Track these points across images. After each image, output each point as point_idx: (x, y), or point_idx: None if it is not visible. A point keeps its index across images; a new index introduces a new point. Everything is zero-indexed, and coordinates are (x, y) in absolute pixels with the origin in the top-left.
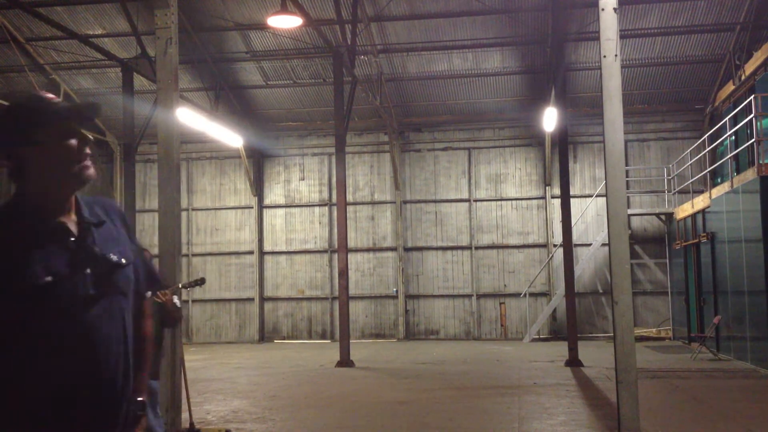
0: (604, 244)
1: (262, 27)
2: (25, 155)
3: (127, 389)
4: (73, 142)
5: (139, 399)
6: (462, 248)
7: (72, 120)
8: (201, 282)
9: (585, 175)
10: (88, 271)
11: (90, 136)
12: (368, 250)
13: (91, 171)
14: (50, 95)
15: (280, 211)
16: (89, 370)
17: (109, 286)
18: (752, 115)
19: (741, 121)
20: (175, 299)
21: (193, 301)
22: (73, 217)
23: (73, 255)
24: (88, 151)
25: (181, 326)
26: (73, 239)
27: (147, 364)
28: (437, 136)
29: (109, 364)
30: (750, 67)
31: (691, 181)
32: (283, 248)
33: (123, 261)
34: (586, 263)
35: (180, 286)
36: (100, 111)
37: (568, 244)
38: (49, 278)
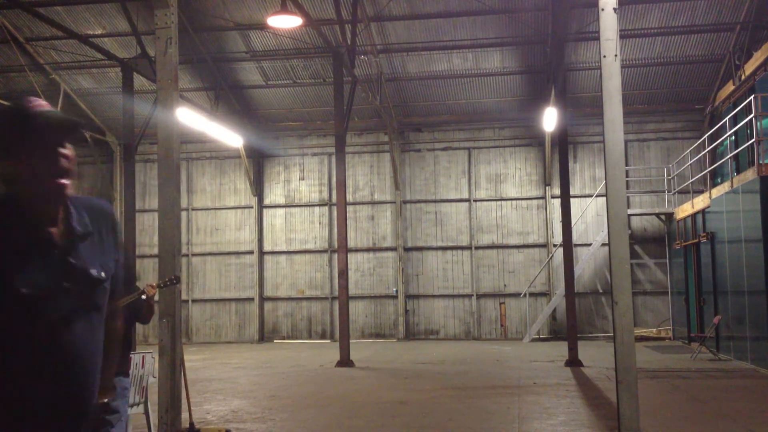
0: (604, 244)
1: (262, 27)
2: (8, 168)
3: (93, 398)
4: (54, 155)
5: (103, 401)
6: (462, 248)
7: (53, 134)
8: (176, 281)
9: (585, 175)
10: (68, 286)
11: (69, 150)
12: (368, 250)
13: (68, 181)
14: (36, 105)
15: (280, 211)
16: (66, 387)
17: (87, 302)
18: (752, 115)
19: (741, 121)
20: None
21: (193, 300)
22: (61, 226)
23: (55, 269)
24: (68, 165)
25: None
26: (57, 251)
27: (114, 365)
28: (437, 136)
29: (86, 380)
30: (750, 67)
31: (691, 181)
32: (283, 248)
33: (103, 275)
34: (586, 263)
35: (157, 285)
36: (81, 128)
37: (568, 244)
38: (25, 290)
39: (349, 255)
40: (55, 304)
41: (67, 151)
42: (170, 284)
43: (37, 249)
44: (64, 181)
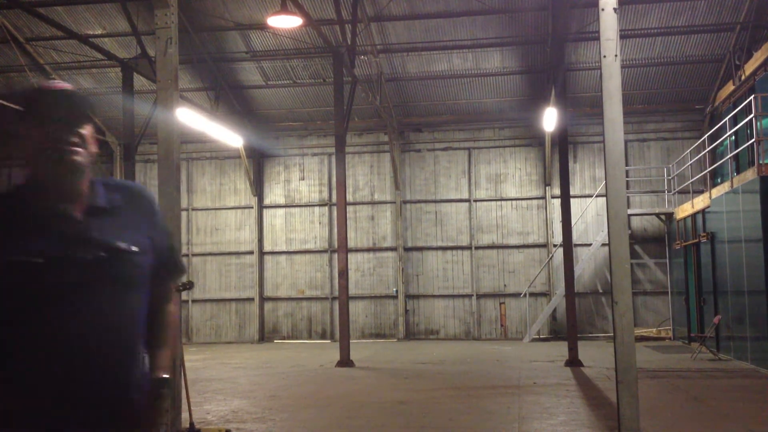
0: (604, 244)
1: (262, 27)
2: (12, 148)
3: (131, 375)
4: (54, 128)
5: (162, 377)
6: (462, 248)
7: (52, 109)
8: (190, 286)
9: (585, 175)
10: (86, 256)
11: (83, 128)
12: (368, 250)
13: (76, 157)
14: (46, 84)
15: (280, 211)
16: (81, 360)
17: (108, 275)
18: (752, 115)
19: (741, 121)
20: None
21: (193, 301)
22: (84, 202)
23: (70, 239)
24: (73, 137)
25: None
26: (67, 225)
27: (166, 343)
28: (437, 136)
29: (113, 354)
30: (750, 67)
31: (691, 181)
32: (283, 248)
33: (133, 248)
34: (586, 263)
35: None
36: (86, 104)
37: (568, 244)
38: (40, 260)
39: (349, 255)
40: (67, 272)
41: (78, 128)
42: (184, 289)
43: (51, 222)
44: (75, 157)
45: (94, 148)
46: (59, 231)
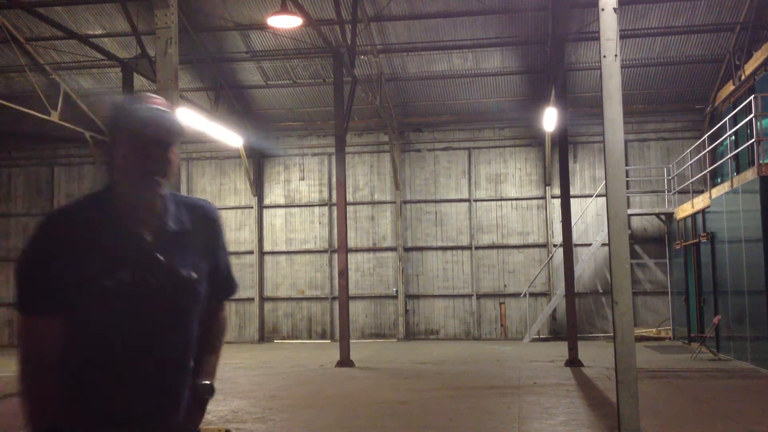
0: (604, 244)
1: (262, 27)
2: (111, 153)
3: (181, 397)
4: (148, 150)
5: (205, 383)
6: (462, 248)
7: (151, 130)
8: None
9: (585, 175)
10: (152, 283)
11: (171, 152)
12: (368, 250)
13: (160, 175)
14: (151, 100)
15: (280, 211)
16: (136, 383)
17: (173, 301)
18: (752, 115)
19: (741, 121)
20: None
21: None
22: (155, 222)
23: (141, 265)
24: (163, 163)
25: None
26: (145, 247)
27: (215, 349)
28: (437, 136)
29: (170, 381)
30: (750, 67)
31: (691, 181)
32: (283, 248)
33: (193, 275)
34: (586, 263)
35: None
36: (180, 132)
37: (568, 244)
38: (109, 283)
39: (349, 255)
40: (138, 299)
41: (166, 151)
42: None
43: (124, 244)
44: (156, 177)
45: (175, 168)
46: (131, 255)
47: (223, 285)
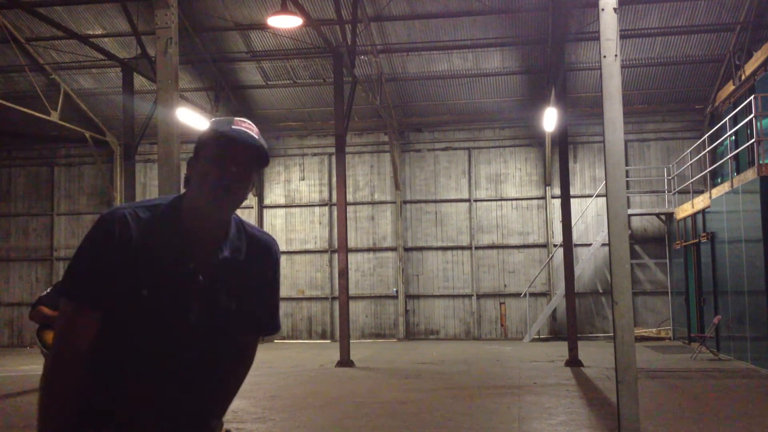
0: (604, 244)
1: (262, 27)
2: (192, 166)
3: (202, 421)
4: (226, 169)
5: (214, 422)
6: (462, 248)
7: (234, 151)
8: None
9: (585, 175)
10: (198, 309)
11: (247, 174)
12: (368, 250)
13: (236, 200)
14: (239, 123)
15: (280, 211)
16: (163, 399)
17: (217, 331)
18: (752, 115)
19: (741, 121)
20: None
21: None
22: (213, 245)
23: (189, 291)
24: (234, 184)
25: None
26: (197, 271)
27: (230, 391)
28: (437, 136)
29: (198, 403)
30: (750, 67)
31: (691, 181)
32: (283, 248)
33: (233, 307)
34: (586, 263)
35: None
36: (265, 155)
37: (568, 244)
38: (146, 293)
39: (349, 255)
40: (173, 316)
41: (246, 173)
42: None
43: (173, 262)
44: (228, 194)
45: (246, 196)
46: (175, 274)
47: (265, 322)
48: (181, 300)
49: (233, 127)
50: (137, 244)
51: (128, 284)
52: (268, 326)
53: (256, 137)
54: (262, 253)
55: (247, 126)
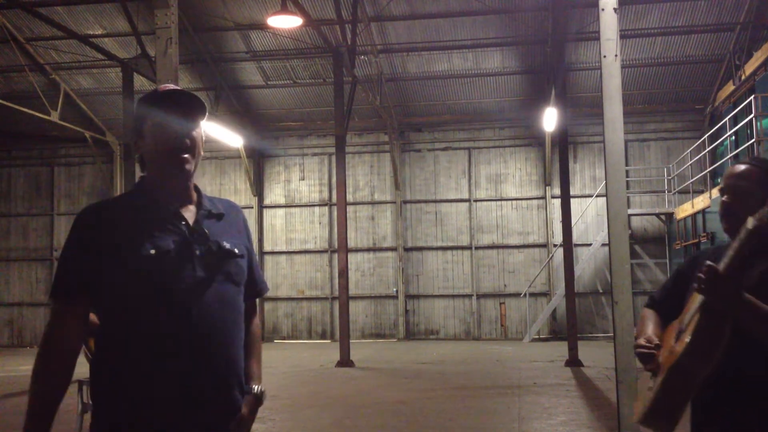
0: (604, 244)
1: (262, 27)
2: (140, 145)
3: (239, 374)
4: (169, 125)
5: (261, 390)
6: (462, 248)
7: (168, 108)
8: None
9: (585, 175)
10: (198, 252)
11: (193, 129)
12: (368, 250)
13: (187, 165)
14: (163, 87)
15: (280, 211)
16: (200, 356)
17: (219, 272)
18: (752, 115)
19: (741, 121)
20: None
21: None
22: (192, 208)
23: (183, 237)
24: (186, 141)
25: None
26: (185, 224)
27: (257, 354)
28: (437, 136)
29: (224, 356)
30: (750, 67)
31: (691, 181)
32: (283, 248)
33: (236, 251)
34: (586, 263)
35: None
36: (200, 104)
37: (568, 244)
38: (152, 251)
39: (349, 255)
40: (185, 269)
41: (189, 127)
42: None
43: (166, 221)
44: (183, 155)
45: (201, 151)
46: (172, 229)
47: (254, 283)
48: (183, 247)
49: (159, 90)
50: (117, 216)
51: (121, 248)
52: (258, 287)
53: (184, 90)
54: (232, 211)
55: (170, 87)
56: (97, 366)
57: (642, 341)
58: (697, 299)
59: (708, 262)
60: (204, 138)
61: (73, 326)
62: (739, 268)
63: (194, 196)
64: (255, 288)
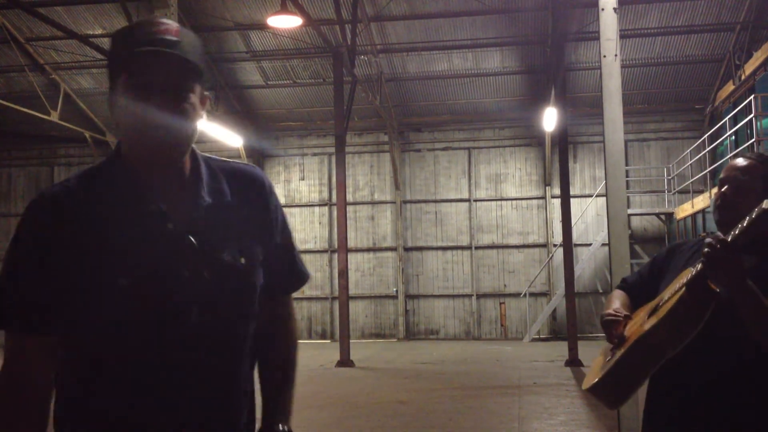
0: (604, 244)
1: (262, 27)
2: (112, 103)
3: (241, 413)
4: (152, 92)
5: (282, 428)
6: (462, 248)
7: (153, 63)
8: None
9: (585, 175)
10: (184, 273)
11: (186, 81)
12: (368, 250)
13: (178, 126)
14: (162, 26)
15: None
16: (172, 410)
17: (219, 298)
18: (752, 115)
19: (741, 121)
20: None
21: None
22: (185, 192)
23: (169, 251)
24: (177, 100)
25: None
26: (172, 226)
27: (291, 380)
28: (437, 136)
29: (219, 405)
30: (750, 67)
31: (691, 181)
32: None
33: (242, 262)
34: (586, 263)
35: None
36: (192, 47)
37: (568, 244)
38: (124, 281)
39: (349, 255)
40: (165, 298)
41: (182, 98)
42: None
43: (141, 227)
44: (177, 126)
45: (201, 115)
46: (152, 241)
47: (287, 274)
48: (166, 270)
49: (147, 35)
50: (78, 222)
51: (86, 275)
52: (293, 277)
53: (174, 38)
54: (252, 187)
55: (165, 30)
56: (62, 406)
57: (610, 311)
58: (684, 277)
59: (716, 233)
60: (203, 97)
61: (41, 363)
62: (743, 247)
63: (189, 169)
64: (284, 281)
